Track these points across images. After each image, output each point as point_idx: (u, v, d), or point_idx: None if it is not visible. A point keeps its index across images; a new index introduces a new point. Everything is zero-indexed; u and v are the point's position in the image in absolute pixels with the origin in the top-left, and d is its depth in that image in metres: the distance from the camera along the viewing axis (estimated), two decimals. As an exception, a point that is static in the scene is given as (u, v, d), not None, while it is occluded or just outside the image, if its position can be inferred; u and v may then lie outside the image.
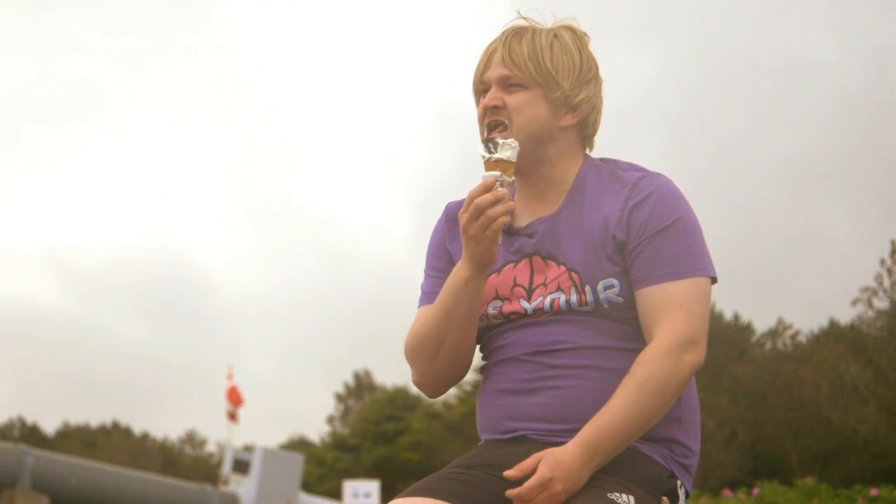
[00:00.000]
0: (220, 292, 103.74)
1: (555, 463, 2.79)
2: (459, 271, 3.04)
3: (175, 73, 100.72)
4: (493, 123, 3.14)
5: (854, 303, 43.37)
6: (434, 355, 3.15)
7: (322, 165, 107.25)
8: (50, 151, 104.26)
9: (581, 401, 2.97)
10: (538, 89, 3.13)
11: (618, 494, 2.80)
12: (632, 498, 2.82)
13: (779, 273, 73.23)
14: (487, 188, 2.91)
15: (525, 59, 3.12)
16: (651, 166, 3.19)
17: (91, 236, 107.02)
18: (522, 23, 3.22)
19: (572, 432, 2.89)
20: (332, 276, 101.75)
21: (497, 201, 2.89)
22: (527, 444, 2.97)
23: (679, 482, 3.02)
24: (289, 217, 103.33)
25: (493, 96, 3.14)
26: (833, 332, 48.97)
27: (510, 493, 2.80)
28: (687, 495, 3.06)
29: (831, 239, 77.70)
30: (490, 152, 2.97)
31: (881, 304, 42.76)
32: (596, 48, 3.22)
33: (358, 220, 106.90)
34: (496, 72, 3.17)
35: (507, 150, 2.95)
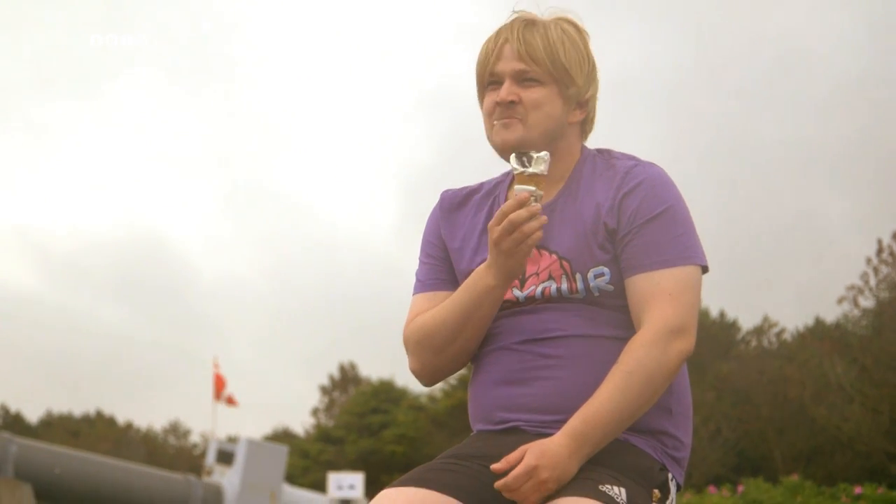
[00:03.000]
0: (199, 277, 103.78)
1: (541, 452, 2.79)
2: (484, 279, 3.02)
3: (153, 54, 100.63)
4: (504, 115, 3.11)
5: (840, 301, 43.54)
6: (442, 351, 3.15)
7: (303, 149, 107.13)
8: (24, 133, 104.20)
9: (573, 391, 2.96)
10: (553, 85, 3.11)
11: (609, 486, 2.80)
12: (623, 490, 2.82)
13: (765, 270, 73.39)
14: (521, 203, 2.88)
15: (542, 53, 3.10)
16: (639, 153, 3.20)
17: (66, 218, 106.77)
18: (527, 13, 3.20)
19: (564, 423, 2.89)
20: (314, 263, 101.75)
21: (532, 217, 2.88)
22: (519, 435, 2.96)
23: (670, 475, 3.02)
24: (269, 201, 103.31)
25: (509, 91, 3.10)
26: (818, 331, 49.15)
27: (498, 483, 2.81)
28: (678, 488, 3.06)
29: (818, 235, 77.82)
30: (524, 166, 2.93)
31: (867, 302, 42.93)
32: (592, 27, 3.23)
33: (341, 206, 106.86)
34: (511, 65, 3.13)
35: (541, 163, 2.92)
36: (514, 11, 3.21)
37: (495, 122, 3.14)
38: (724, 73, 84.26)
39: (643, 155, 3.20)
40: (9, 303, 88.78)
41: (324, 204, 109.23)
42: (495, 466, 2.83)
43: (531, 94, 3.10)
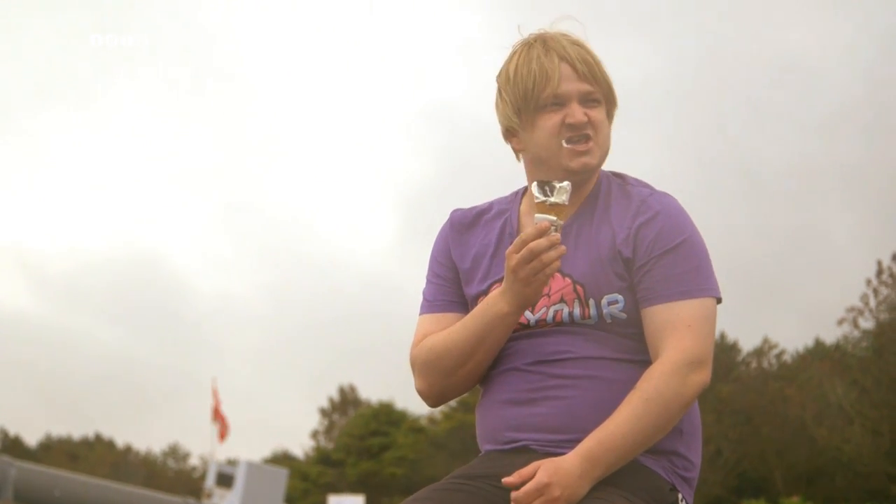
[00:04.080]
0: (196, 296, 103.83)
1: (554, 469, 2.78)
2: (498, 304, 3.00)
3: (150, 73, 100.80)
4: (581, 139, 3.08)
5: (840, 322, 43.61)
6: (452, 374, 3.14)
7: (301, 167, 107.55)
8: (19, 150, 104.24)
9: (583, 411, 2.97)
10: (604, 105, 3.14)
11: None
12: None
13: (764, 291, 73.41)
14: (542, 232, 2.86)
15: (599, 73, 3.12)
16: (639, 168, 3.20)
17: (62, 238, 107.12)
18: (559, 28, 3.19)
19: (574, 443, 2.88)
20: (312, 282, 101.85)
21: (551, 246, 2.86)
22: (528, 455, 2.94)
23: (680, 495, 3.02)
24: (266, 220, 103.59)
25: (581, 112, 3.07)
26: (819, 352, 49.23)
27: (512, 495, 2.78)
28: None
29: (819, 256, 77.88)
30: (546, 195, 2.90)
31: (867, 324, 43.03)
32: (594, 42, 3.22)
33: (339, 224, 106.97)
34: (576, 86, 3.10)
35: (563, 193, 2.89)
36: (520, 26, 3.21)
37: (567, 145, 3.08)
38: (726, 89, 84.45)
39: (642, 171, 3.20)
40: (4, 323, 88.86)
41: (322, 222, 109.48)
42: (507, 480, 2.81)
43: (596, 115, 3.10)
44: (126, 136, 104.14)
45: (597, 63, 3.13)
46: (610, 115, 3.16)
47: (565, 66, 3.09)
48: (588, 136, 3.09)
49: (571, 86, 3.09)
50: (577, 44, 3.14)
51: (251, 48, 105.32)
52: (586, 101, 3.10)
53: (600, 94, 3.12)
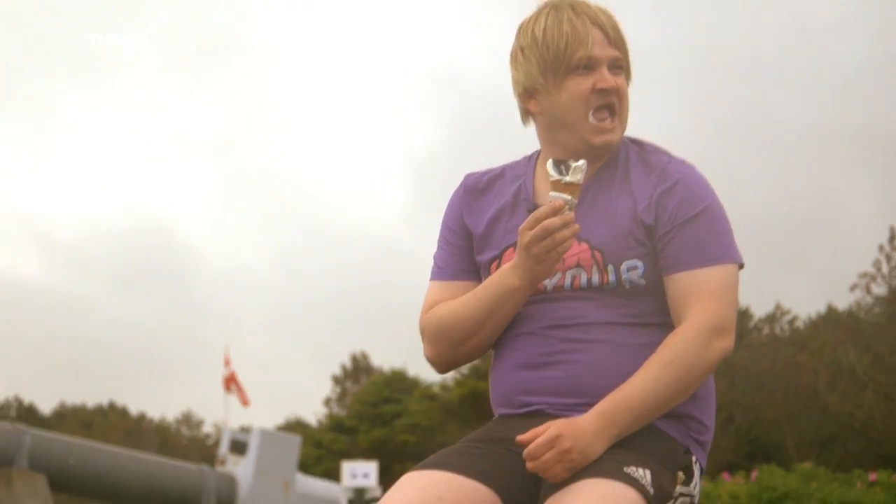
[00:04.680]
0: (207, 264, 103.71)
1: (566, 424, 2.82)
2: (509, 278, 3.03)
3: (157, 41, 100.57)
4: (605, 109, 3.10)
5: (852, 288, 43.53)
6: (461, 344, 3.16)
7: (309, 134, 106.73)
8: (28, 119, 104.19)
9: (596, 374, 2.98)
10: (626, 72, 3.16)
11: (634, 468, 2.81)
12: (648, 472, 2.83)
13: (777, 257, 73.33)
14: (556, 210, 2.89)
15: (624, 41, 3.15)
16: (652, 134, 3.21)
17: (71, 207, 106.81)
18: None
19: (588, 406, 2.90)
20: (323, 250, 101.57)
21: (565, 225, 2.88)
22: (542, 418, 2.95)
23: (694, 458, 3.05)
24: (275, 187, 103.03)
25: (612, 78, 3.09)
26: (831, 318, 49.15)
27: (525, 451, 2.82)
28: (702, 471, 3.09)
29: (832, 222, 77.73)
30: (561, 174, 2.92)
31: (879, 289, 42.92)
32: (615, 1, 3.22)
33: (348, 191, 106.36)
34: (607, 52, 3.11)
35: (579, 173, 2.91)
36: None
37: (593, 120, 3.10)
38: (739, 55, 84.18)
39: (656, 135, 3.22)
40: (16, 292, 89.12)
41: (331, 189, 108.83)
42: (521, 437, 2.85)
43: (623, 84, 3.13)
44: (134, 107, 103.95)
45: (622, 32, 3.15)
46: (629, 82, 3.16)
47: (597, 31, 3.09)
48: (614, 110, 3.11)
49: (603, 51, 3.09)
50: (604, 11, 3.14)
51: (259, 16, 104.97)
52: (614, 67, 3.11)
53: (625, 62, 3.14)
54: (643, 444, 2.91)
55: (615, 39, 3.12)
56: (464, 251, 3.29)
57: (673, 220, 3.03)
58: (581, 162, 2.92)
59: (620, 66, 3.14)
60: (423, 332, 3.24)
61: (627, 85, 3.17)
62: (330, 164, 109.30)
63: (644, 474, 2.82)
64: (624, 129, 3.16)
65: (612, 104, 3.11)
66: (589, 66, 3.08)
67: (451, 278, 3.27)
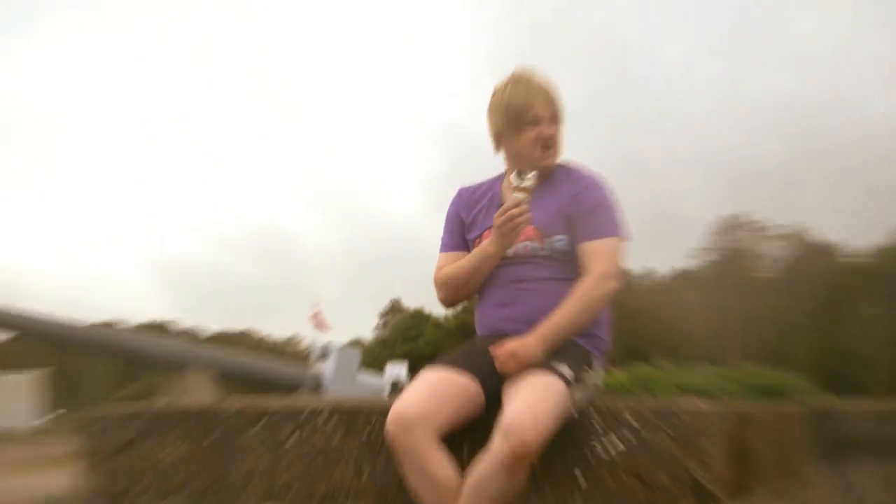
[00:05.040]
0: (301, 240, 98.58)
1: (520, 342, 2.81)
2: (488, 248, 3.00)
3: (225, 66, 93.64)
4: (549, 145, 3.07)
5: (692, 255, 42.98)
6: (460, 289, 3.11)
7: (357, 135, 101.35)
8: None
9: (537, 311, 2.94)
10: (559, 121, 3.10)
11: (559, 365, 2.78)
12: (566, 367, 2.79)
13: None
14: (516, 204, 2.87)
15: (558, 102, 3.09)
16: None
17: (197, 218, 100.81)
18: (528, 69, 3.14)
19: (532, 329, 2.88)
20: (374, 239, 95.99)
21: (521, 214, 2.87)
22: (505, 337, 2.93)
23: (596, 359, 3.01)
24: (337, 182, 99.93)
25: (549, 129, 3.06)
26: (681, 274, 48.38)
27: (495, 358, 2.82)
28: (602, 367, 3.04)
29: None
30: (521, 180, 2.90)
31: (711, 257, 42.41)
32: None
33: (379, 191, 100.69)
34: (548, 110, 3.06)
35: (532, 180, 2.89)
36: (516, 67, 3.16)
37: (539, 153, 3.07)
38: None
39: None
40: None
41: (377, 184, 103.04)
42: (493, 349, 2.84)
43: (556, 131, 3.09)
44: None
45: (558, 94, 3.10)
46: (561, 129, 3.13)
47: (541, 97, 3.06)
48: (550, 146, 3.07)
49: (545, 110, 3.06)
50: (547, 82, 3.10)
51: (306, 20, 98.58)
52: (552, 121, 3.08)
53: (559, 116, 3.09)
54: (565, 352, 2.86)
55: (553, 101, 3.07)
56: (459, 233, 3.21)
57: (582, 211, 3.00)
58: (533, 173, 2.90)
59: (556, 119, 3.08)
60: (435, 284, 3.16)
61: (560, 127, 3.10)
62: (375, 162, 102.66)
63: (565, 369, 2.78)
64: (557, 156, 3.09)
65: (550, 144, 3.07)
66: (535, 121, 3.04)
67: (451, 250, 3.20)
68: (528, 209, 2.88)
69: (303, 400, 3.34)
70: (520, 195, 2.88)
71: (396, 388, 19.85)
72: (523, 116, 3.05)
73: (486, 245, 3.01)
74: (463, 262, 3.09)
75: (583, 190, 3.02)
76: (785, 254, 44.82)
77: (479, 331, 3.14)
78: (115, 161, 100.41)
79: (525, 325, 2.92)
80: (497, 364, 2.80)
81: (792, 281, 41.58)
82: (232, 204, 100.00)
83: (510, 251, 3.03)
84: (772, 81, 71.47)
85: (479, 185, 3.27)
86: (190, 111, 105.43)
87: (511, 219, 2.88)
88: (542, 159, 3.07)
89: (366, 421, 3.08)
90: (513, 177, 2.93)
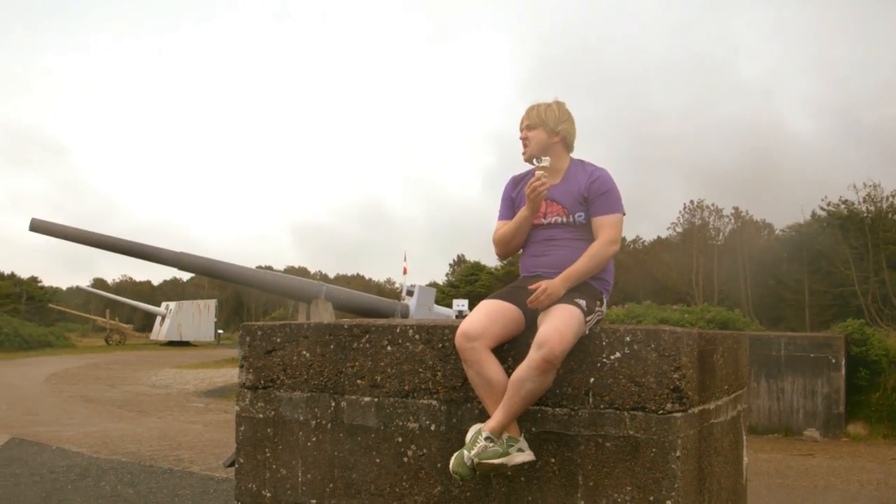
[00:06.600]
0: (394, 213, 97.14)
1: (548, 282, 2.80)
2: (524, 212, 2.97)
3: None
4: (525, 144, 3.07)
5: (668, 228, 41.55)
6: (509, 244, 3.07)
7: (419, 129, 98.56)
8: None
9: (565, 261, 2.93)
10: (540, 128, 3.06)
11: (578, 299, 2.78)
12: (584, 300, 2.78)
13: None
14: (537, 178, 2.87)
15: (537, 115, 3.06)
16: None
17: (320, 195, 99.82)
18: (542, 98, 3.13)
19: (559, 273, 2.89)
20: (443, 207, 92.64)
21: (542, 185, 2.87)
22: (540, 278, 2.94)
23: (604, 296, 2.98)
24: (419, 171, 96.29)
25: (524, 133, 3.07)
26: (660, 240, 47.20)
27: (531, 288, 2.83)
28: (606, 302, 3.02)
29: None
30: (537, 162, 2.98)
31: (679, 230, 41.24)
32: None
33: (450, 178, 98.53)
34: (525, 122, 3.07)
35: (544, 161, 2.93)
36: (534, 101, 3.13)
37: (524, 147, 3.08)
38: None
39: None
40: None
41: (450, 172, 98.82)
42: (530, 286, 2.84)
43: (531, 135, 3.06)
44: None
45: (539, 111, 3.05)
46: (546, 132, 3.05)
47: (526, 114, 3.08)
48: (525, 145, 3.05)
49: (524, 122, 3.07)
50: (539, 104, 3.08)
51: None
52: (526, 129, 3.05)
53: (532, 125, 3.05)
54: (582, 290, 2.85)
55: (530, 116, 3.05)
56: (510, 207, 3.16)
57: (595, 194, 2.97)
58: (547, 157, 2.95)
59: (529, 127, 3.04)
60: (494, 242, 3.12)
61: (532, 132, 3.04)
62: (451, 154, 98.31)
63: (582, 302, 2.77)
64: (533, 152, 3.04)
65: (525, 144, 3.05)
66: (521, 128, 3.07)
67: (504, 219, 3.14)
68: (547, 182, 2.88)
69: (396, 321, 3.36)
70: (539, 172, 2.89)
71: (461, 316, 19.90)
72: (522, 124, 3.08)
73: (522, 210, 3.01)
74: (510, 223, 3.07)
75: (596, 179, 2.99)
76: (732, 228, 44.32)
77: (522, 273, 3.11)
78: (265, 150, 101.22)
79: (554, 270, 2.92)
80: (531, 299, 2.77)
81: (737, 247, 41.32)
82: (347, 182, 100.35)
83: (545, 220, 3.01)
84: (727, 106, 69.45)
85: (523, 174, 3.24)
86: (311, 112, 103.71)
87: (535, 189, 2.88)
88: (523, 153, 3.07)
89: (440, 336, 3.08)
90: (534, 160, 3.01)
